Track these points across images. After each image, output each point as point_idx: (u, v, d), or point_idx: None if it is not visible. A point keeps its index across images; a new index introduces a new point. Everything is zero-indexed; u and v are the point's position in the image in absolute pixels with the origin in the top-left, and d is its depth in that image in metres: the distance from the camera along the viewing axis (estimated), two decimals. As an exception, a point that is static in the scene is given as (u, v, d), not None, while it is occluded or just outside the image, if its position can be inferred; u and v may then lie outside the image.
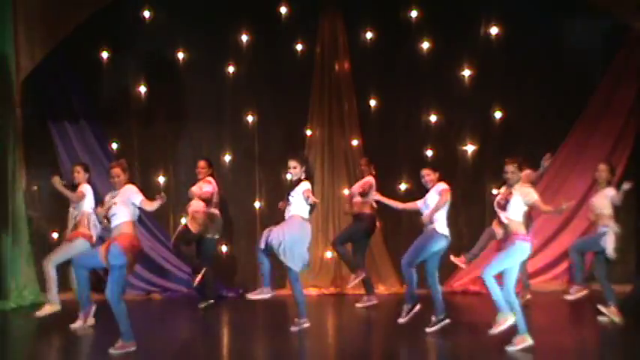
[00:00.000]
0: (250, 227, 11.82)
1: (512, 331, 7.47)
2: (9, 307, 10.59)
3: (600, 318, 8.89)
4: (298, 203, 8.11)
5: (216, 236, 10.52)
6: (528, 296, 9.97)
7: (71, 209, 8.98)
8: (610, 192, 9.03)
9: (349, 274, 10.74)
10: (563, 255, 11.49)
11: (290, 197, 8.18)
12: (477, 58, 11.83)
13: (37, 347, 8.48)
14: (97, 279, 9.95)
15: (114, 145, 11.86)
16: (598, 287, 9.19)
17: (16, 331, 9.68)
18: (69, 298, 9.30)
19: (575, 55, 11.61)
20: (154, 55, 11.87)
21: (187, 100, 11.98)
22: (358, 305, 10.35)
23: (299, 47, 11.98)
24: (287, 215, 8.21)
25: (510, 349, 7.32)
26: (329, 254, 11.69)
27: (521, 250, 7.38)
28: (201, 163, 10.50)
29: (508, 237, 7.44)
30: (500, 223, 7.69)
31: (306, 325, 8.25)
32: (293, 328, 8.25)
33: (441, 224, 8.23)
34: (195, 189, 10.31)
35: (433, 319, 8.25)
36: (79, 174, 9.00)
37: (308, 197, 7.97)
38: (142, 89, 11.93)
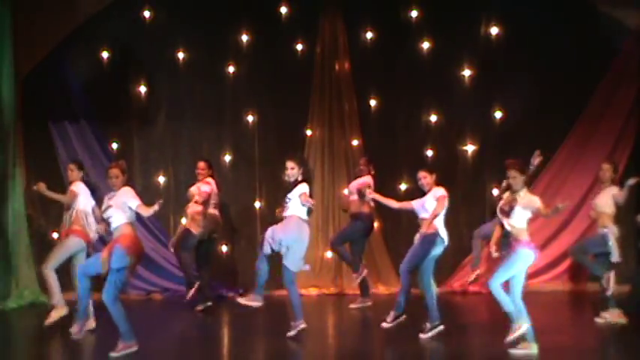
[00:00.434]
0: (250, 227, 11.83)
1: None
2: (9, 307, 10.60)
3: (598, 320, 8.86)
4: (296, 204, 8.03)
5: (215, 235, 10.48)
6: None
7: (64, 208, 8.81)
8: (613, 190, 8.99)
9: (349, 274, 10.73)
10: (563, 255, 11.49)
11: (287, 199, 8.10)
12: (477, 58, 11.84)
13: (37, 348, 8.47)
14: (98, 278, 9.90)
15: (114, 146, 11.85)
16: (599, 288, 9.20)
17: (16, 332, 9.68)
18: (74, 298, 9.17)
19: (575, 55, 11.60)
20: (154, 55, 11.86)
21: (187, 101, 11.98)
22: (352, 306, 10.31)
23: (299, 47, 11.99)
24: (285, 216, 8.14)
25: (514, 352, 7.28)
26: (329, 254, 11.69)
27: (525, 257, 7.26)
28: (201, 164, 10.43)
29: (511, 244, 7.36)
30: (502, 228, 7.59)
31: (303, 326, 8.14)
32: (290, 333, 8.14)
33: (438, 228, 8.15)
34: (193, 189, 10.28)
35: (427, 325, 8.15)
36: (73, 172, 8.84)
37: (306, 201, 7.89)
38: (142, 89, 11.93)
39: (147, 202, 11.55)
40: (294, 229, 8.00)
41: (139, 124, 11.95)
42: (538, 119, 11.64)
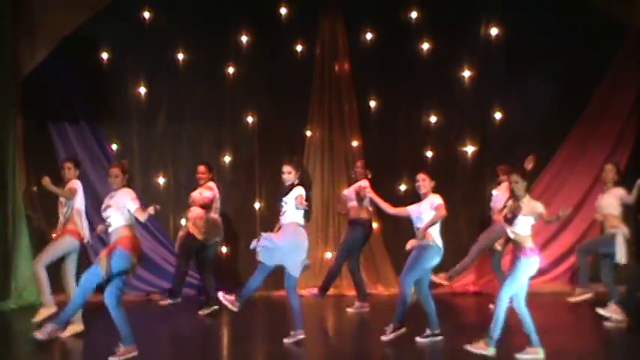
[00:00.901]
0: (250, 228, 11.78)
1: (516, 338, 7.46)
2: (9, 308, 10.58)
3: (606, 323, 8.79)
4: (292, 210, 7.92)
5: (217, 240, 10.42)
6: None
7: (59, 206, 8.73)
8: (619, 191, 8.92)
9: (349, 275, 10.70)
10: (563, 256, 11.51)
11: (283, 203, 7.99)
12: (477, 58, 11.86)
13: (36, 348, 8.44)
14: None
15: (114, 146, 11.84)
16: (602, 289, 9.18)
17: (16, 332, 9.66)
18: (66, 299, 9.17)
19: (575, 55, 11.60)
20: (154, 56, 11.85)
21: (187, 101, 11.97)
22: (350, 310, 10.25)
23: (299, 48, 12.00)
24: (282, 222, 8.03)
25: (520, 356, 7.23)
26: (329, 254, 11.69)
27: (527, 266, 7.13)
28: (202, 168, 10.32)
29: (514, 254, 7.29)
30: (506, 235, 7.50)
31: (301, 337, 8.03)
32: (287, 340, 8.06)
33: (435, 238, 7.99)
34: (195, 195, 10.22)
35: (428, 331, 8.10)
36: (70, 170, 8.76)
37: (300, 204, 7.76)
38: (142, 90, 11.93)
39: (147, 202, 11.72)
40: (291, 237, 7.90)
41: (139, 124, 11.95)
42: (538, 120, 11.66)
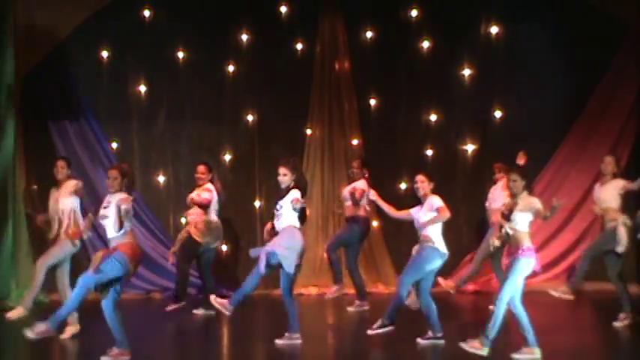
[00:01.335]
0: (250, 227, 11.82)
1: (512, 338, 7.47)
2: (9, 307, 10.58)
3: (615, 323, 8.71)
4: (288, 213, 7.86)
5: (217, 243, 10.37)
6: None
7: (51, 204, 8.59)
8: (619, 182, 8.73)
9: (348, 274, 10.70)
10: (563, 254, 11.51)
11: (278, 207, 7.94)
12: (477, 58, 11.86)
13: (36, 348, 8.45)
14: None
15: (114, 145, 11.85)
16: (605, 288, 9.15)
17: (16, 332, 9.65)
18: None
19: (575, 55, 11.60)
20: (154, 55, 11.85)
21: (187, 100, 11.97)
22: (350, 309, 10.22)
23: (299, 47, 12.00)
24: (278, 227, 7.95)
25: (517, 356, 7.23)
26: (329, 254, 11.68)
27: (524, 266, 7.11)
28: (201, 168, 10.16)
29: (512, 252, 7.28)
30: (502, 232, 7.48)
31: (298, 341, 7.94)
32: (279, 342, 7.96)
33: (437, 241, 7.89)
34: (194, 196, 10.14)
35: (430, 333, 8.06)
36: (63, 169, 8.59)
37: (297, 203, 7.68)
38: (142, 89, 11.92)
39: (147, 201, 11.77)
40: (286, 238, 7.85)
41: (139, 123, 11.95)
42: (538, 119, 11.65)
